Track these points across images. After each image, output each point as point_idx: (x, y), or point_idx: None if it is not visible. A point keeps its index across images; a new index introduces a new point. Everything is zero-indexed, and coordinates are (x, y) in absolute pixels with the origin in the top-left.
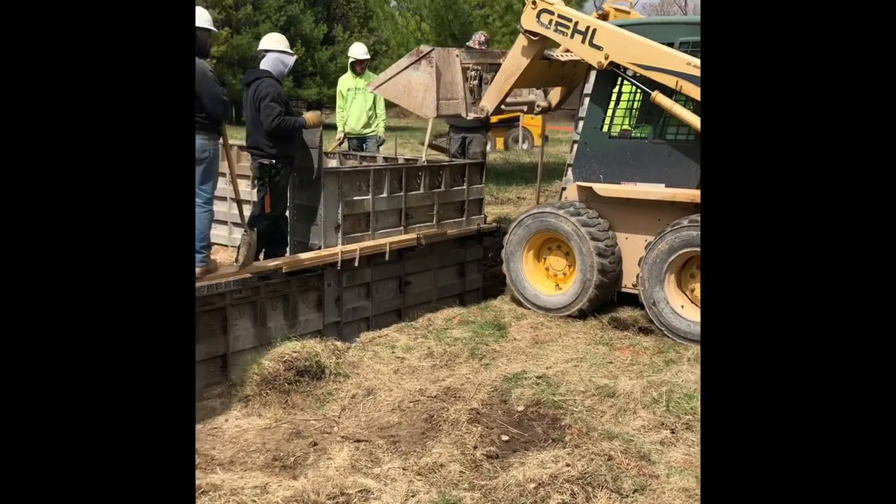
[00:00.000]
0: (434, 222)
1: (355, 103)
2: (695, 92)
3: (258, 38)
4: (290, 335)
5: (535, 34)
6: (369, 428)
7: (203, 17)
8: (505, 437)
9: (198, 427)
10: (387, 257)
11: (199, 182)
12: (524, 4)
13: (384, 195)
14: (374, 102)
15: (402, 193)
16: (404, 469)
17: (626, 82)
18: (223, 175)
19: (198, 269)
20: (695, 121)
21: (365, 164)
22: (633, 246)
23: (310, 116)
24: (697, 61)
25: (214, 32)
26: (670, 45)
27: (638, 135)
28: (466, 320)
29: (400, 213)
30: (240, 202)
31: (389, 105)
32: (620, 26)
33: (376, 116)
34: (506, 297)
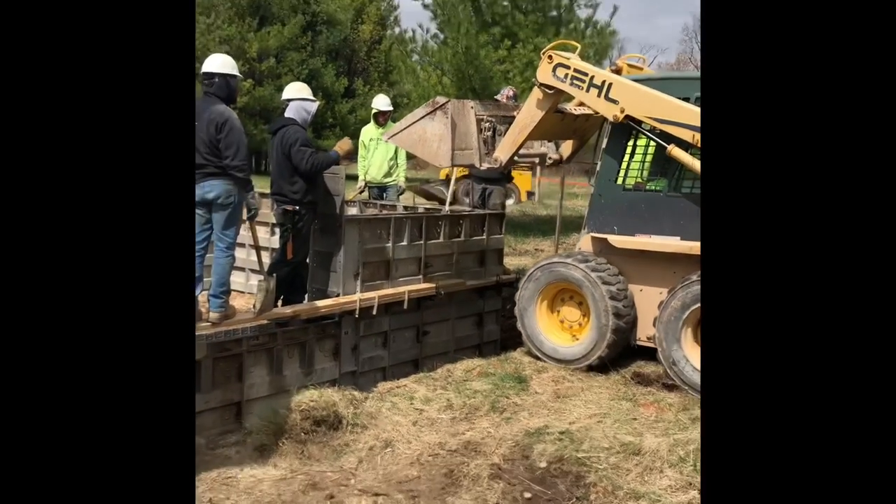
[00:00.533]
0: (453, 272)
1: (377, 153)
2: None
3: (280, 90)
4: (305, 384)
5: (550, 87)
6: (387, 482)
7: (228, 64)
8: (528, 495)
9: (211, 476)
10: (405, 306)
11: (222, 227)
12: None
13: (404, 243)
14: (396, 153)
15: (422, 242)
16: None
17: (640, 136)
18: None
19: (216, 315)
20: None
21: (385, 212)
22: (647, 298)
23: (340, 146)
24: None
25: (240, 78)
26: (686, 99)
27: (653, 187)
28: (486, 372)
29: (419, 262)
30: (258, 248)
31: (409, 156)
32: (636, 81)
33: (397, 166)
34: (525, 349)
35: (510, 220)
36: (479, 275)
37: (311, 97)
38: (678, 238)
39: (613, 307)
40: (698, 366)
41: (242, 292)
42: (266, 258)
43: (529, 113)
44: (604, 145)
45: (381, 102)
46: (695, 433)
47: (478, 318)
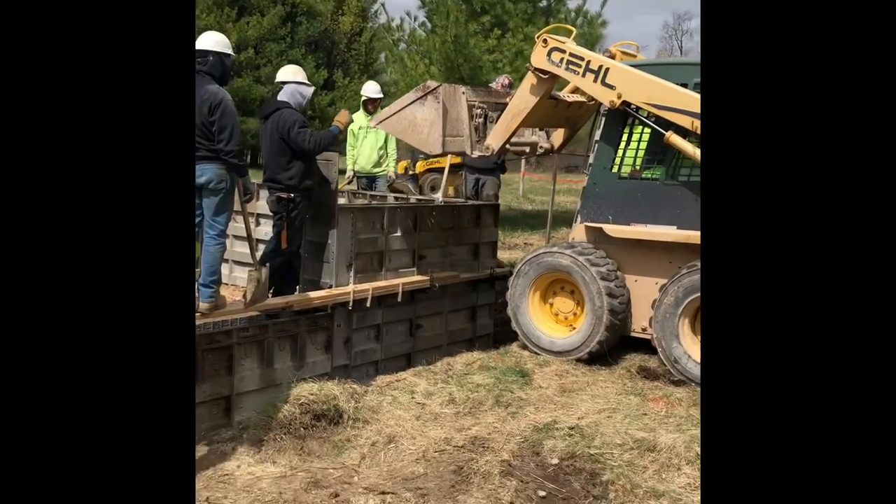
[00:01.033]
0: (447, 264)
1: (366, 142)
2: None
3: (259, 81)
4: (296, 378)
5: (545, 72)
6: (393, 479)
7: (222, 42)
8: (542, 493)
9: (207, 473)
10: (399, 298)
11: (213, 213)
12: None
13: (398, 234)
14: (386, 142)
15: (415, 233)
16: None
17: (636, 123)
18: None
19: (206, 305)
20: None
21: (377, 202)
22: (643, 288)
23: (339, 119)
24: None
25: (233, 58)
26: (684, 85)
27: (649, 176)
28: (487, 366)
29: (413, 254)
30: (251, 236)
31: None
32: (633, 66)
33: (387, 156)
34: (521, 344)
35: None
36: (474, 267)
37: (307, 82)
38: (675, 227)
39: (605, 287)
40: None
41: (226, 284)
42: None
43: (523, 99)
44: (597, 135)
45: (371, 89)
46: None
47: (471, 311)
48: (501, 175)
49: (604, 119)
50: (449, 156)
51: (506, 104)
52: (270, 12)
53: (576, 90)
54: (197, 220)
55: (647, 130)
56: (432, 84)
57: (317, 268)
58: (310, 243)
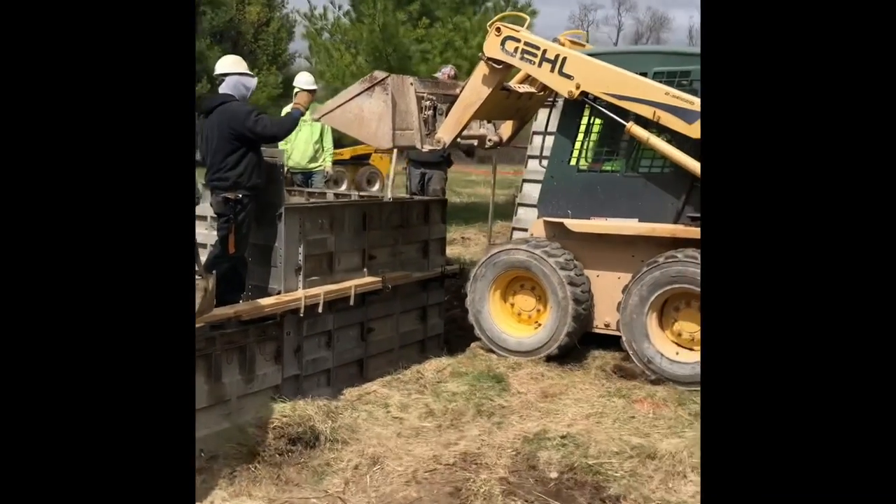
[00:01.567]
0: (397, 263)
1: (300, 136)
2: (674, 123)
3: None
4: (246, 392)
5: (498, 62)
6: None
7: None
8: None
9: None
10: (352, 302)
11: None
12: (479, 35)
13: (347, 234)
14: (322, 135)
15: (365, 232)
16: None
17: (594, 113)
18: None
19: None
20: (672, 152)
21: (316, 200)
22: (605, 283)
23: (298, 100)
24: (676, 91)
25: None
26: (644, 74)
27: (609, 168)
28: (458, 371)
29: (363, 254)
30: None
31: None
32: (591, 55)
33: (323, 150)
34: (485, 347)
35: None
36: (424, 266)
37: (250, 72)
38: (636, 220)
39: (566, 277)
40: (674, 357)
41: None
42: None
43: (475, 90)
44: (549, 126)
45: (304, 80)
46: None
47: (422, 311)
48: (448, 168)
49: (560, 110)
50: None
51: (455, 96)
52: None
53: (524, 80)
54: None
55: (607, 121)
56: (380, 75)
57: (263, 273)
58: (255, 247)
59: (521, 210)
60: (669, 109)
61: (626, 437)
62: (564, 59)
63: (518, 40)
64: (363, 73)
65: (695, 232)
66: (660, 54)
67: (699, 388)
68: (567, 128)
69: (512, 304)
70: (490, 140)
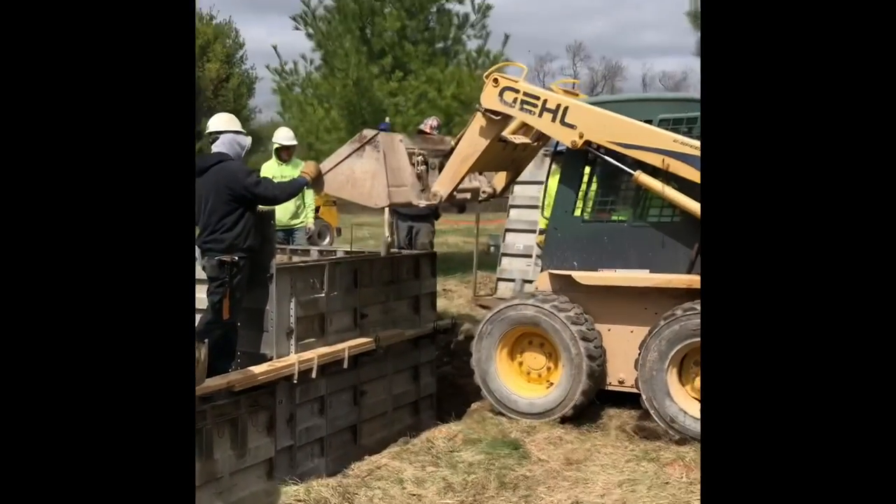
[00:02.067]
0: (389, 321)
1: None
2: (684, 170)
3: None
4: (239, 468)
5: (497, 114)
6: None
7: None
8: None
9: None
10: (345, 364)
11: None
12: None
13: (338, 293)
14: (303, 192)
15: (356, 290)
16: None
17: (597, 163)
18: None
19: None
20: (684, 201)
21: (300, 258)
22: (618, 338)
23: (306, 169)
24: (685, 139)
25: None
26: (648, 122)
27: (615, 218)
28: (470, 438)
29: (354, 313)
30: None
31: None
32: (592, 104)
33: (304, 206)
34: (479, 405)
35: None
36: (416, 322)
37: (244, 130)
38: (647, 271)
39: (578, 332)
40: (697, 413)
41: None
42: None
43: (472, 142)
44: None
45: (284, 136)
46: None
47: (413, 370)
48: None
49: (562, 160)
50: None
51: (444, 150)
52: None
53: (517, 130)
54: None
55: (611, 170)
56: (369, 133)
57: (252, 337)
58: (244, 310)
59: (504, 260)
60: (679, 157)
61: None
62: (566, 108)
63: (517, 91)
64: (337, 127)
65: None
66: (665, 101)
67: None
68: (570, 178)
69: (520, 363)
70: (484, 192)
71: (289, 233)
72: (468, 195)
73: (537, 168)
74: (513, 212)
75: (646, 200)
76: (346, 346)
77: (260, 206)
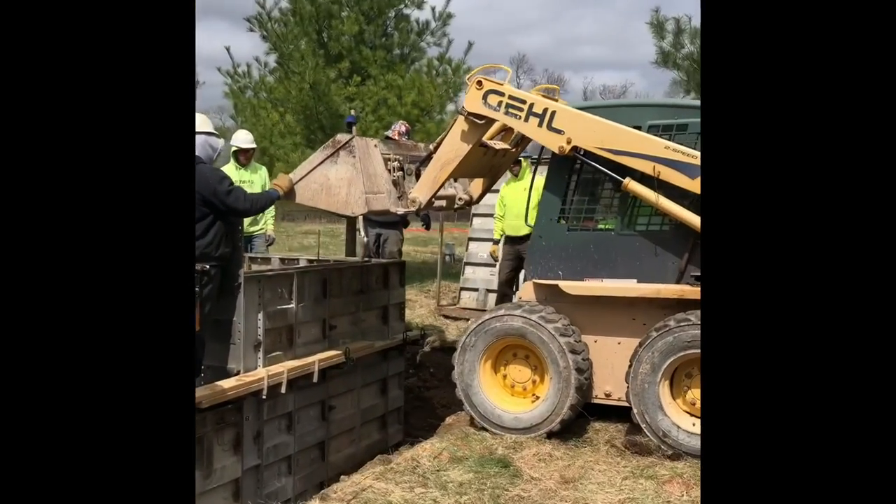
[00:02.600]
0: (358, 332)
1: None
2: (676, 178)
3: None
4: (205, 489)
5: (480, 118)
6: None
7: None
8: None
9: None
10: (315, 378)
11: None
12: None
13: (308, 303)
14: None
15: (326, 300)
16: None
17: (584, 169)
18: None
19: None
20: (675, 209)
21: (282, 267)
22: (604, 349)
23: (279, 182)
24: (677, 145)
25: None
26: (637, 128)
27: (602, 226)
28: (456, 456)
29: (323, 324)
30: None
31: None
32: (580, 109)
33: (264, 213)
34: (452, 418)
35: None
36: (384, 334)
37: (216, 132)
38: (634, 281)
39: (567, 344)
40: (691, 429)
41: None
42: None
43: (453, 147)
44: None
45: (242, 139)
46: None
47: (382, 384)
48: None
49: (548, 166)
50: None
51: (418, 156)
52: None
53: (495, 135)
54: None
55: (598, 177)
56: (343, 137)
57: (218, 350)
58: (210, 322)
59: (468, 269)
60: (670, 164)
61: None
62: (554, 112)
63: (502, 94)
64: (292, 132)
65: None
66: (654, 107)
67: None
68: (556, 185)
69: (504, 376)
70: (460, 199)
71: (248, 240)
72: (444, 202)
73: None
74: (476, 220)
75: (634, 208)
76: (315, 360)
77: None
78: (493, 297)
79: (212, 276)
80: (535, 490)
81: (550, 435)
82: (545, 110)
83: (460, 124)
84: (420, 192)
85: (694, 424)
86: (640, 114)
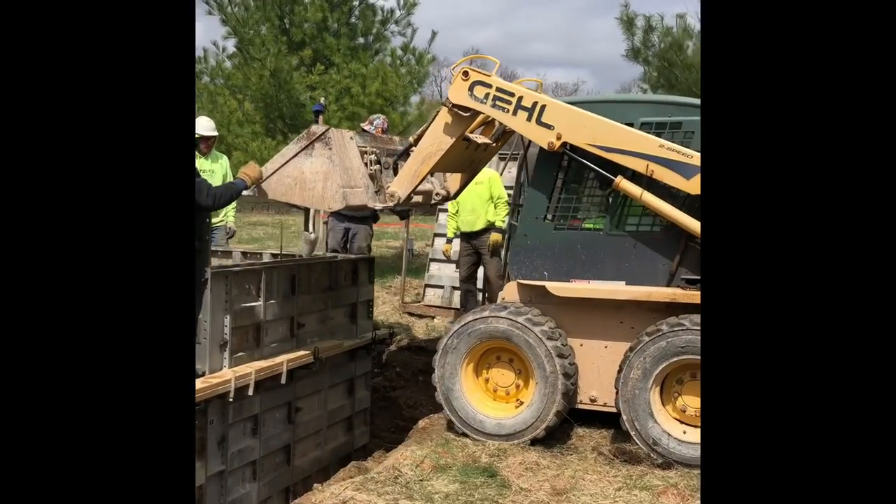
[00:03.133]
0: (327, 331)
1: None
2: (670, 177)
3: None
4: None
5: (466, 110)
6: None
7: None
8: None
9: None
10: (283, 380)
11: None
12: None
13: (275, 301)
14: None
15: (294, 297)
16: None
17: (571, 166)
18: None
19: None
20: (669, 210)
21: (247, 262)
22: (590, 353)
23: (246, 172)
24: (672, 144)
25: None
26: (630, 125)
27: (590, 226)
28: (439, 465)
29: (291, 322)
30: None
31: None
32: (571, 103)
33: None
34: (425, 422)
35: None
36: (353, 332)
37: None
38: (623, 283)
39: (554, 348)
40: (682, 437)
41: None
42: None
43: (435, 140)
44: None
45: (203, 126)
46: None
47: (349, 384)
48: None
49: (535, 162)
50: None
51: (395, 150)
52: None
53: (474, 129)
54: None
55: (588, 175)
56: (318, 129)
57: None
58: None
59: (433, 266)
60: (665, 163)
61: None
62: (543, 106)
63: (489, 86)
64: (251, 120)
65: (695, 296)
66: (648, 104)
67: None
68: (543, 181)
69: (486, 380)
70: (437, 195)
71: None
72: (421, 198)
73: None
74: (442, 216)
75: (624, 208)
76: (283, 360)
77: None
78: (458, 295)
79: None
80: (526, 502)
81: (534, 442)
82: (534, 104)
83: (444, 116)
84: (399, 186)
85: (685, 432)
86: (632, 110)
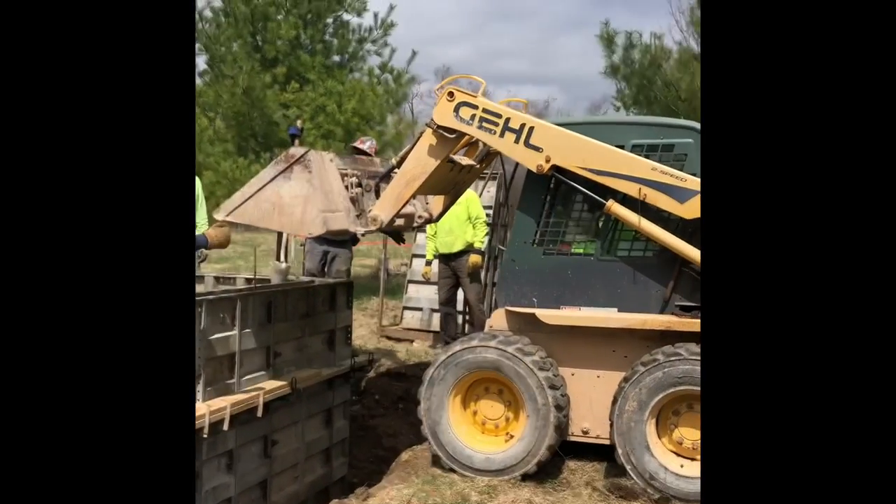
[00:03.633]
0: (304, 360)
1: None
2: (663, 201)
3: None
4: None
5: (451, 131)
6: None
7: None
8: None
9: None
10: (259, 413)
11: None
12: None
13: (251, 329)
14: (195, 206)
15: (270, 325)
16: None
17: (560, 189)
18: None
19: None
20: (662, 235)
21: (221, 288)
22: (582, 384)
23: (217, 234)
24: (664, 167)
25: None
26: (620, 147)
27: (580, 251)
28: None
29: (267, 352)
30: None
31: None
32: (560, 125)
33: (196, 226)
34: (409, 454)
35: None
36: (331, 360)
37: None
38: (615, 310)
39: (546, 379)
40: (679, 471)
41: None
42: None
43: (419, 162)
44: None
45: None
46: None
47: (327, 414)
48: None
49: (523, 185)
50: None
51: (377, 172)
52: None
53: (457, 151)
54: None
55: (577, 198)
56: (297, 151)
57: None
58: None
59: (411, 287)
60: (657, 187)
61: None
62: (532, 128)
63: (475, 107)
64: (222, 138)
65: (692, 324)
66: (638, 125)
67: None
68: (531, 205)
69: (475, 412)
70: (420, 217)
71: None
72: (403, 221)
73: None
74: (420, 236)
75: (615, 232)
76: (260, 392)
77: None
78: (437, 317)
79: None
80: None
81: (525, 477)
82: (522, 126)
83: (428, 138)
84: (382, 209)
85: (682, 466)
86: (623, 132)
